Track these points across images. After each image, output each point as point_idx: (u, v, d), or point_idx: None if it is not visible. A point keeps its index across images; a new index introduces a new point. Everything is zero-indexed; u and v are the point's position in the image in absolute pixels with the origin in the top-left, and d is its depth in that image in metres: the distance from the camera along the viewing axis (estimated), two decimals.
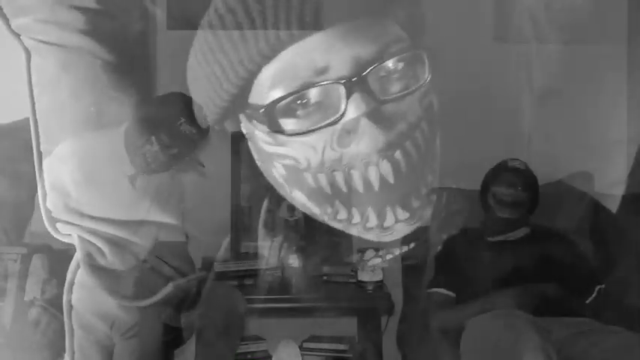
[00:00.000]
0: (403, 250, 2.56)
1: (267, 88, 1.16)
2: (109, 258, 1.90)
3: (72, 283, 1.95)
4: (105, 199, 1.88)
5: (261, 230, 2.11)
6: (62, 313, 2.05)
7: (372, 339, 2.59)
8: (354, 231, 1.25)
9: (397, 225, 1.22)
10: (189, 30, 2.01)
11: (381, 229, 1.22)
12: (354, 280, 2.63)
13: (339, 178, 1.17)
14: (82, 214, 1.89)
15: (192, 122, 2.03)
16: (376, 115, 1.11)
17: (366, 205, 1.20)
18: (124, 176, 1.99)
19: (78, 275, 1.96)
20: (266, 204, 2.09)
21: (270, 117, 1.16)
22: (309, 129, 1.15)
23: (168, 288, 1.98)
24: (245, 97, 1.19)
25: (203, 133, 2.07)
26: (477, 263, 2.31)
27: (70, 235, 1.87)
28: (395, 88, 1.15)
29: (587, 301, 2.31)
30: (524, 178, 2.40)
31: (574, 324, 2.07)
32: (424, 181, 1.24)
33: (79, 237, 1.87)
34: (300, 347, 2.73)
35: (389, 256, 2.64)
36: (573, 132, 2.66)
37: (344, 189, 1.18)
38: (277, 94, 1.14)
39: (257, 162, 1.32)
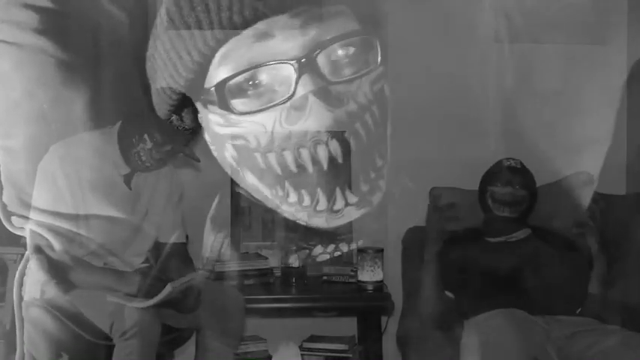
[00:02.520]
0: (351, 248, 2.57)
1: (218, 69, 1.19)
2: (58, 250, 1.94)
3: (23, 274, 1.98)
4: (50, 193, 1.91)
5: (208, 224, 2.12)
6: (62, 313, 2.06)
7: (372, 339, 2.58)
8: (304, 215, 1.27)
9: (347, 208, 1.24)
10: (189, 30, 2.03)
11: (331, 212, 1.24)
12: (354, 280, 2.63)
13: (289, 157, 1.20)
14: (34, 208, 1.92)
15: (183, 117, 2.03)
16: (324, 93, 1.15)
17: (315, 186, 1.22)
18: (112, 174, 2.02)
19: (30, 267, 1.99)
20: (217, 199, 2.11)
21: (220, 96, 1.19)
22: (259, 108, 1.18)
23: (168, 289, 1.98)
24: (201, 84, 1.21)
25: (196, 127, 2.07)
26: (476, 264, 2.30)
27: (23, 228, 1.92)
28: (346, 71, 1.18)
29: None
30: (521, 176, 2.40)
31: (574, 324, 2.07)
32: (373, 165, 1.26)
33: (31, 230, 1.90)
34: (300, 347, 2.73)
35: (337, 253, 2.65)
36: (574, 132, 2.66)
37: (293, 169, 1.20)
38: (227, 73, 1.17)
39: (212, 150, 1.33)
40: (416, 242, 2.67)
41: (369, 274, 2.56)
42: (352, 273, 2.66)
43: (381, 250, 2.59)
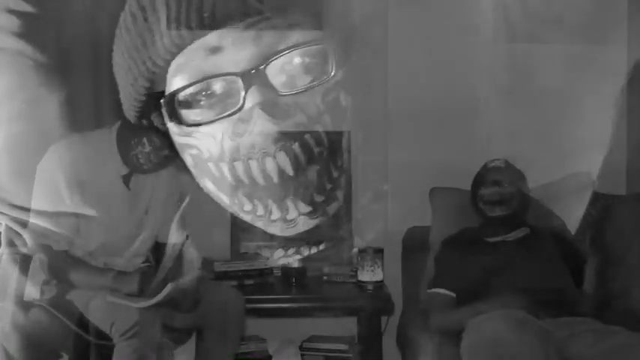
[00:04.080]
0: (312, 252, 2.58)
1: (173, 79, 1.21)
2: (30, 246, 1.97)
3: (22, 274, 2.01)
4: (30, 191, 1.96)
5: (173, 225, 2.13)
6: (62, 313, 2.06)
7: (372, 339, 2.58)
8: (260, 224, 1.29)
9: (300, 218, 1.25)
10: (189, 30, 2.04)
11: (285, 221, 1.26)
12: (354, 280, 2.63)
13: (239, 168, 1.21)
14: (9, 204, 1.96)
15: (153, 122, 2.03)
16: (270, 105, 1.15)
17: (267, 197, 1.24)
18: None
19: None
20: (187, 201, 2.12)
21: (170, 107, 1.21)
22: (209, 120, 1.19)
23: (168, 289, 1.98)
24: (161, 93, 1.23)
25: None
26: (476, 263, 2.30)
27: (0, 223, 1.97)
28: (301, 82, 1.18)
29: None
30: (506, 174, 2.41)
31: (574, 324, 2.07)
32: (328, 175, 1.26)
33: (6, 225, 1.95)
34: (300, 347, 2.73)
35: (297, 257, 2.65)
36: (573, 132, 2.66)
37: (245, 180, 1.22)
38: (179, 84, 1.19)
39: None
40: (416, 242, 2.68)
41: (369, 274, 2.56)
42: (352, 273, 2.66)
43: (381, 250, 2.59)
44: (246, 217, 1.31)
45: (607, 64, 2.74)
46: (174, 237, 2.14)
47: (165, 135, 1.86)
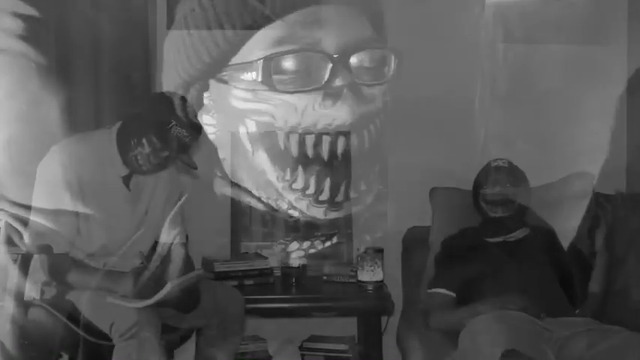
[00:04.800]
0: (325, 245, 2.58)
1: (264, 47, 1.27)
2: (26, 241, 2.01)
3: (22, 274, 2.05)
4: (28, 188, 2.02)
5: (166, 223, 2.15)
6: (62, 313, 2.06)
7: (372, 339, 2.58)
8: (303, 204, 1.33)
9: (345, 203, 1.31)
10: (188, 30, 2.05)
11: (331, 204, 1.31)
12: (354, 280, 2.63)
13: (309, 141, 1.27)
14: (10, 201, 2.03)
15: (183, 124, 2.03)
16: (356, 89, 1.24)
17: (324, 175, 1.30)
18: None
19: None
20: (183, 200, 2.13)
21: (266, 69, 1.27)
22: (297, 89, 1.25)
23: (167, 288, 1.98)
24: (227, 59, 1.29)
25: (194, 135, 2.08)
26: (476, 264, 2.30)
27: (1, 220, 2.03)
28: (367, 77, 1.27)
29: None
30: (509, 174, 2.40)
31: (574, 324, 2.07)
32: (372, 168, 1.33)
33: (5, 222, 2.00)
34: (300, 347, 2.73)
35: (311, 250, 2.65)
36: (573, 132, 2.67)
37: (310, 154, 1.27)
38: (271, 51, 1.25)
39: (210, 132, 1.38)
40: (416, 242, 2.68)
41: (369, 274, 2.56)
42: (352, 273, 2.65)
43: (381, 250, 2.59)
44: (291, 196, 1.36)
45: (607, 64, 2.74)
46: (164, 236, 2.14)
47: (164, 133, 1.89)
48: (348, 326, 2.81)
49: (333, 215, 1.28)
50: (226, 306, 2.24)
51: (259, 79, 1.28)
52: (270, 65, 1.23)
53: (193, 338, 2.37)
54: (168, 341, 2.17)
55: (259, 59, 1.23)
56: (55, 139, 2.13)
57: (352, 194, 1.28)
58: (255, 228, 2.74)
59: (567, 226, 2.48)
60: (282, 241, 2.68)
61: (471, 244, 2.39)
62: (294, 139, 1.24)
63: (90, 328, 2.03)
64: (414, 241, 2.70)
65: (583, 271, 2.36)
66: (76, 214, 2.09)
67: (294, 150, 1.24)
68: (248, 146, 1.31)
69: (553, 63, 2.75)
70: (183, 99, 2.09)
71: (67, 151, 2.10)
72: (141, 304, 1.99)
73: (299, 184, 1.27)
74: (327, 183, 1.24)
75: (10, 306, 2.04)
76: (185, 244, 2.30)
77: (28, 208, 2.03)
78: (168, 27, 2.06)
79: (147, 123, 2.06)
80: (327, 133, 1.22)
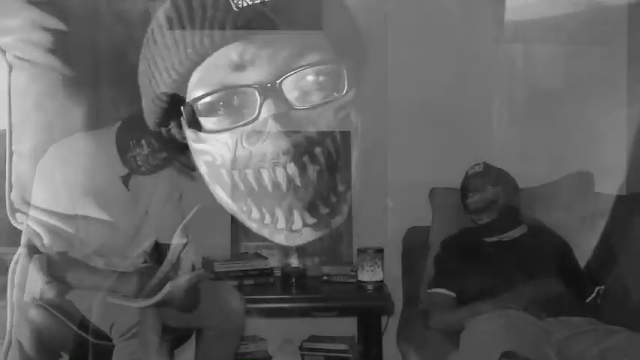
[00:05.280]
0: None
1: (192, 89, 1.28)
2: (46, 243, 2.05)
3: (23, 274, 2.10)
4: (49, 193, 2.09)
5: (178, 230, 2.18)
6: (62, 314, 2.06)
7: (372, 339, 2.59)
8: (265, 232, 1.34)
9: (305, 229, 1.31)
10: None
11: (290, 231, 1.31)
12: (354, 280, 2.63)
13: (250, 176, 1.28)
14: (31, 205, 2.09)
15: (170, 130, 2.03)
16: (283, 118, 1.23)
17: (274, 206, 1.30)
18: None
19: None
20: (195, 210, 2.15)
21: (190, 114, 1.27)
22: (224, 128, 1.26)
23: (167, 288, 1.98)
24: (182, 101, 1.29)
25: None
26: (475, 263, 2.30)
27: (22, 223, 2.12)
28: (314, 98, 1.25)
29: (587, 300, 2.31)
30: (486, 178, 2.40)
31: (575, 324, 2.07)
32: (334, 189, 1.32)
33: (28, 226, 2.07)
34: (300, 347, 2.73)
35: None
36: (573, 131, 2.66)
37: (255, 187, 1.28)
38: (199, 93, 1.26)
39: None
40: (416, 242, 2.68)
41: (369, 274, 2.56)
42: (352, 273, 2.65)
43: (381, 250, 2.59)
44: (253, 225, 1.36)
45: (607, 65, 2.74)
46: (175, 241, 2.17)
47: (168, 139, 1.90)
48: (348, 326, 2.81)
49: (295, 242, 1.28)
50: (226, 306, 2.24)
51: (187, 126, 1.31)
52: (192, 110, 1.25)
53: (193, 338, 2.37)
54: (169, 341, 2.16)
55: (182, 107, 1.27)
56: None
57: (309, 220, 1.28)
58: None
59: (567, 226, 2.48)
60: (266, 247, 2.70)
61: (471, 244, 2.39)
62: (236, 175, 1.26)
63: (90, 328, 2.03)
64: (414, 241, 2.70)
65: (580, 271, 2.37)
66: (75, 212, 2.09)
67: (240, 185, 1.26)
68: (209, 182, 1.34)
69: (554, 63, 2.75)
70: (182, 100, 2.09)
71: (65, 150, 2.11)
72: (141, 304, 1.99)
73: (255, 215, 1.28)
74: (279, 213, 1.25)
75: (10, 306, 2.05)
76: (185, 245, 2.30)
77: (50, 212, 2.08)
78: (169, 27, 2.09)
79: (146, 124, 2.06)
80: (263, 167, 1.23)
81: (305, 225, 1.28)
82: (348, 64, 1.24)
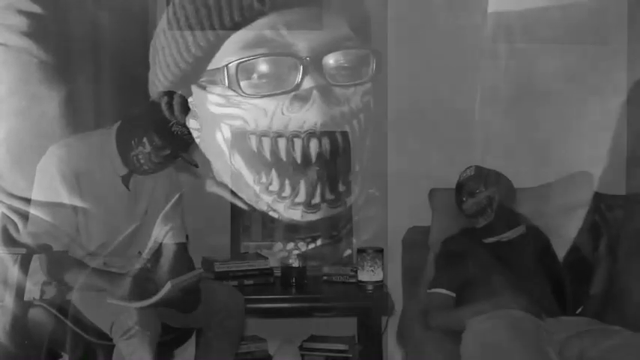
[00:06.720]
0: (309, 247, 2.59)
1: (234, 52, 1.28)
2: (22, 232, 2.03)
3: (22, 275, 2.06)
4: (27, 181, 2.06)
5: (160, 217, 2.17)
6: (62, 313, 2.06)
7: (372, 339, 2.59)
8: (281, 206, 1.35)
9: (323, 205, 1.32)
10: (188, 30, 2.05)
11: (308, 206, 1.33)
12: (354, 280, 2.63)
13: (282, 144, 1.28)
14: (7, 193, 2.06)
15: (183, 123, 2.04)
16: (326, 90, 1.25)
17: (299, 177, 1.31)
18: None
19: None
20: (176, 197, 2.14)
21: (232, 75, 1.27)
22: (267, 93, 1.26)
23: (167, 287, 1.98)
24: (204, 65, 1.30)
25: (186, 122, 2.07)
26: (475, 263, 2.31)
27: None
28: (343, 77, 1.27)
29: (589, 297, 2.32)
30: (477, 181, 2.40)
31: (575, 324, 2.07)
32: (352, 168, 1.34)
33: (2, 213, 2.04)
34: (300, 347, 2.73)
35: (295, 252, 2.65)
36: (573, 131, 2.67)
37: (283, 157, 1.28)
38: (238, 56, 1.27)
39: (196, 136, 1.40)
40: (416, 242, 2.68)
41: (369, 274, 2.56)
42: (352, 273, 2.66)
43: (381, 250, 2.59)
44: (268, 198, 1.38)
45: (607, 65, 2.74)
46: (156, 231, 2.16)
47: (166, 131, 1.90)
48: (348, 326, 2.81)
49: (310, 217, 1.28)
50: (226, 306, 2.24)
51: (226, 85, 1.30)
52: (236, 71, 1.24)
53: (193, 338, 2.37)
54: (168, 341, 2.17)
55: (225, 65, 1.25)
56: (54, 134, 2.16)
57: (328, 196, 1.28)
58: (255, 228, 2.74)
59: (567, 226, 2.48)
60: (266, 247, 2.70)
61: (471, 244, 2.39)
62: (266, 143, 1.25)
63: (90, 328, 2.03)
64: (413, 241, 2.70)
65: (580, 271, 2.37)
66: (75, 212, 2.09)
67: (267, 153, 1.25)
68: (225, 150, 1.32)
69: (553, 65, 2.75)
70: (183, 97, 2.10)
71: (65, 150, 2.11)
72: (141, 304, 1.99)
73: (275, 187, 1.28)
74: (302, 185, 1.25)
75: (10, 305, 2.04)
76: (185, 244, 2.31)
77: (25, 200, 2.05)
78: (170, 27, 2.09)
79: (147, 122, 2.07)
80: (297, 136, 1.23)
81: (323, 200, 1.29)
82: (376, 53, 1.27)
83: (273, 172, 1.29)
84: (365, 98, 1.29)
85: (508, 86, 2.69)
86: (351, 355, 2.69)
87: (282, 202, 1.29)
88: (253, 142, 1.29)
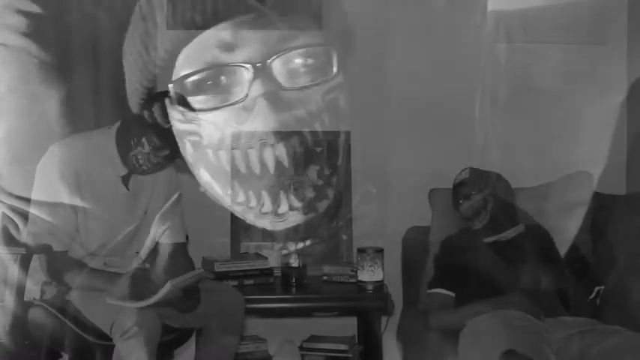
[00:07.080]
0: (298, 247, 2.58)
1: (181, 67, 1.28)
2: (22, 232, 2.04)
3: (22, 275, 2.06)
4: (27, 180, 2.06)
5: (157, 216, 2.16)
6: (62, 313, 2.06)
7: (372, 339, 2.59)
8: (250, 216, 1.34)
9: (290, 212, 1.31)
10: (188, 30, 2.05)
11: (275, 215, 1.32)
12: (354, 280, 2.63)
13: (238, 156, 1.27)
14: (7, 193, 2.07)
15: (154, 113, 2.03)
16: (273, 97, 1.22)
17: (261, 188, 1.30)
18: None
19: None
20: (175, 197, 2.14)
21: (178, 92, 1.27)
22: (213, 107, 1.26)
23: (167, 287, 1.98)
24: (168, 81, 1.29)
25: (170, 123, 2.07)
26: (475, 263, 2.31)
27: None
28: (301, 79, 1.25)
29: (589, 299, 2.32)
30: (471, 183, 2.40)
31: (574, 324, 2.07)
32: (321, 172, 1.32)
33: (2, 213, 2.05)
34: (300, 347, 2.73)
35: (284, 251, 2.65)
36: (573, 131, 2.67)
37: (242, 169, 1.27)
38: (187, 71, 1.26)
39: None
40: (416, 242, 2.68)
41: (369, 274, 2.56)
42: (352, 273, 2.65)
43: (381, 250, 2.59)
44: (238, 209, 1.37)
45: (606, 64, 2.74)
46: (153, 230, 2.16)
47: (164, 131, 1.90)
48: (348, 326, 2.81)
49: (279, 226, 1.28)
50: (226, 306, 2.24)
51: (174, 102, 1.30)
52: (182, 87, 1.23)
53: (193, 338, 2.37)
54: (168, 341, 2.17)
55: (170, 83, 1.25)
56: (54, 133, 2.16)
57: (295, 203, 1.27)
58: (255, 228, 2.74)
59: (567, 225, 2.48)
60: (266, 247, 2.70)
61: (470, 244, 2.39)
62: (223, 156, 1.24)
63: (90, 328, 2.03)
64: (413, 241, 2.70)
65: (578, 270, 2.37)
66: (75, 212, 2.09)
67: (226, 166, 1.24)
68: (191, 165, 1.32)
69: (553, 65, 2.75)
70: (162, 105, 2.10)
71: (65, 149, 2.11)
72: (140, 304, 1.99)
73: (241, 198, 1.27)
74: (265, 195, 1.24)
75: (10, 305, 2.05)
76: (184, 244, 2.31)
77: (25, 200, 2.05)
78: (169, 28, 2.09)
79: (146, 122, 2.06)
80: (251, 147, 1.22)
81: (291, 208, 1.28)
82: (337, 48, 1.24)
83: (236, 185, 1.29)
84: (329, 96, 1.25)
85: (508, 86, 2.69)
86: (351, 355, 2.69)
87: (251, 212, 1.29)
88: (211, 156, 1.29)
